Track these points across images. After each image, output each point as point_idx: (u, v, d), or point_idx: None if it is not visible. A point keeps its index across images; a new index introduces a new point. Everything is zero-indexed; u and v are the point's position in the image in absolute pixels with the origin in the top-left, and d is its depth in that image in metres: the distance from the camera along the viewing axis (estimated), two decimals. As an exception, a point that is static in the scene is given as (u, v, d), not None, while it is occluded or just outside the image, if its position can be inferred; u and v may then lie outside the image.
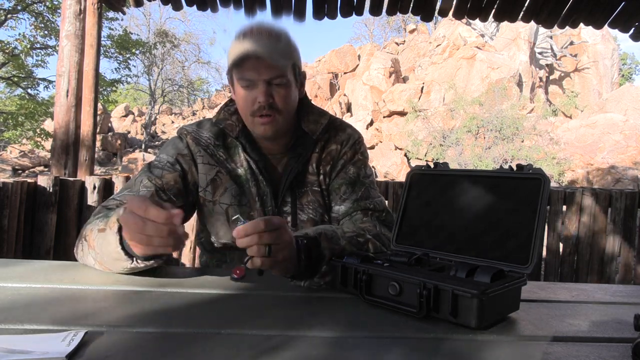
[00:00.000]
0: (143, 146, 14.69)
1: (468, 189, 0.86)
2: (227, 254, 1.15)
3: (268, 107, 1.02)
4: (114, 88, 14.00)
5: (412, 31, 17.50)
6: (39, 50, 11.38)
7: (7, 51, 10.87)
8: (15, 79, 11.55)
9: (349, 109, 14.19)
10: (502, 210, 0.80)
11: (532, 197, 0.76)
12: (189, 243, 2.98)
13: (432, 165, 0.93)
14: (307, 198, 1.13)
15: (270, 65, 1.00)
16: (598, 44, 15.75)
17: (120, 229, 0.77)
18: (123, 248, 0.78)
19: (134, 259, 0.80)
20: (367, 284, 0.76)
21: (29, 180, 2.75)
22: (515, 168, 0.81)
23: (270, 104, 1.02)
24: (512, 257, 0.76)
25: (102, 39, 3.84)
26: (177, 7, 3.53)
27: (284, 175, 1.12)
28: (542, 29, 14.39)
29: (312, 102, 1.23)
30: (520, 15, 3.55)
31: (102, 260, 0.85)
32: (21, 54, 11.06)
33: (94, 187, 2.84)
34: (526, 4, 3.44)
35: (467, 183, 0.87)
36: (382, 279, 0.75)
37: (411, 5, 3.44)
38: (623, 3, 3.33)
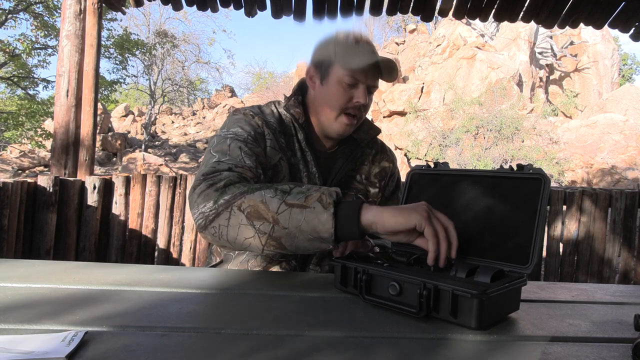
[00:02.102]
0: (143, 146, 14.68)
1: (468, 189, 0.86)
2: None
3: (360, 109, 1.12)
4: (114, 88, 14.00)
5: (412, 31, 17.50)
6: (41, 50, 11.38)
7: (7, 51, 10.86)
8: (16, 79, 11.55)
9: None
10: (502, 210, 0.80)
11: (533, 197, 0.76)
12: (189, 243, 2.98)
13: (432, 165, 0.93)
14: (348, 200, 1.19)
15: (377, 75, 1.11)
16: (598, 44, 15.75)
17: (336, 211, 0.79)
18: (335, 229, 0.79)
19: (337, 242, 0.81)
20: (367, 284, 0.76)
21: (29, 180, 2.75)
22: (515, 168, 0.81)
23: (363, 106, 1.12)
24: (512, 257, 0.76)
25: (102, 39, 3.84)
26: (177, 7, 3.53)
27: (332, 172, 1.20)
28: (542, 29, 14.39)
29: None
30: (520, 15, 3.55)
31: (284, 235, 0.82)
32: (22, 54, 11.06)
33: (94, 187, 2.84)
34: (526, 4, 3.45)
35: (467, 183, 0.87)
36: (382, 279, 0.75)
37: (411, 5, 3.44)
38: (623, 3, 3.33)
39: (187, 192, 2.93)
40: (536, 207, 0.75)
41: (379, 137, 1.32)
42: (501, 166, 0.88)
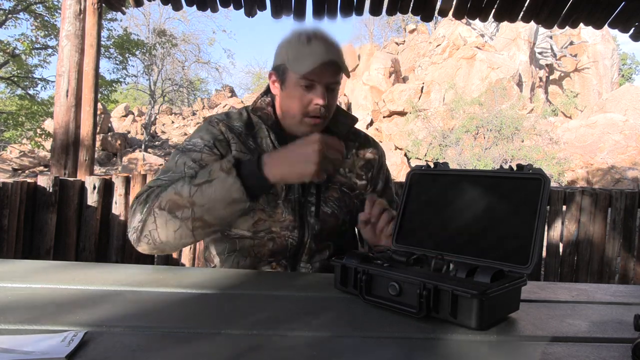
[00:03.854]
0: (143, 146, 14.67)
1: (468, 189, 0.86)
2: (238, 241, 1.15)
3: (322, 110, 1.10)
4: (114, 88, 13.99)
5: (412, 31, 17.50)
6: (41, 50, 11.38)
7: (7, 51, 10.86)
8: (16, 79, 11.54)
9: (348, 109, 14.19)
10: (502, 210, 0.80)
11: (532, 197, 0.76)
12: (189, 243, 2.98)
13: (432, 165, 0.93)
14: (334, 195, 1.19)
15: (335, 71, 1.08)
16: (598, 44, 15.75)
17: (238, 173, 0.87)
18: (245, 188, 0.87)
19: (253, 198, 0.89)
20: (367, 284, 0.76)
21: (29, 180, 2.75)
22: (515, 168, 0.80)
23: (324, 106, 1.09)
24: (512, 257, 0.75)
25: (102, 39, 3.84)
26: (177, 7, 3.53)
27: None
28: (542, 29, 14.39)
29: None
30: (520, 15, 3.55)
31: (204, 212, 0.88)
32: (22, 54, 11.06)
33: (94, 187, 2.84)
34: (526, 4, 3.44)
35: (467, 183, 0.87)
36: (382, 279, 0.75)
37: (411, 5, 3.44)
38: (623, 3, 3.33)
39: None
40: (536, 207, 0.75)
41: (376, 136, 1.31)
42: (501, 166, 0.88)
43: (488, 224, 0.81)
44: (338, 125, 1.21)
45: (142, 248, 0.96)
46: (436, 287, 0.68)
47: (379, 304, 0.74)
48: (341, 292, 0.82)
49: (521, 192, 0.78)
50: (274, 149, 1.15)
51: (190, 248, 2.96)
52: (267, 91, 1.21)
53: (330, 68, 1.06)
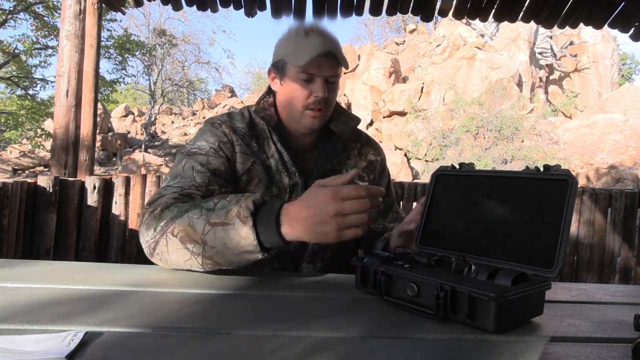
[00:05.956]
0: (143, 146, 14.67)
1: (493, 190, 0.85)
2: None
3: (323, 102, 1.10)
4: (114, 88, 13.99)
5: (412, 31, 17.50)
6: (42, 51, 11.37)
7: (7, 51, 10.86)
8: (16, 79, 11.54)
9: (348, 109, 14.17)
10: (528, 212, 0.79)
11: (559, 198, 0.74)
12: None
13: (457, 166, 0.92)
14: None
15: (333, 64, 1.09)
16: (598, 44, 15.75)
17: (255, 223, 0.78)
18: (259, 241, 0.79)
19: (266, 251, 0.81)
20: (386, 285, 0.76)
21: (29, 180, 2.75)
22: (542, 169, 0.79)
23: (324, 100, 1.09)
24: (537, 261, 0.74)
25: (102, 39, 3.84)
26: (177, 7, 3.53)
27: (315, 169, 1.19)
28: (542, 29, 14.39)
29: None
30: (520, 15, 3.55)
31: (214, 254, 0.83)
32: (22, 54, 11.06)
33: (94, 187, 2.84)
34: (526, 4, 3.44)
35: (492, 184, 0.85)
36: (401, 280, 0.74)
37: (411, 5, 3.44)
38: (623, 3, 3.33)
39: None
40: (562, 209, 0.73)
41: (376, 136, 1.32)
42: (527, 167, 0.87)
43: (513, 225, 0.79)
44: (340, 125, 1.21)
45: (155, 262, 0.95)
46: (454, 288, 0.67)
47: (398, 304, 0.74)
48: (361, 293, 0.82)
49: (547, 194, 0.77)
50: (276, 151, 1.15)
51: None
52: (269, 91, 1.21)
53: (329, 61, 1.07)
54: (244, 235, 0.79)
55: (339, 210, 0.73)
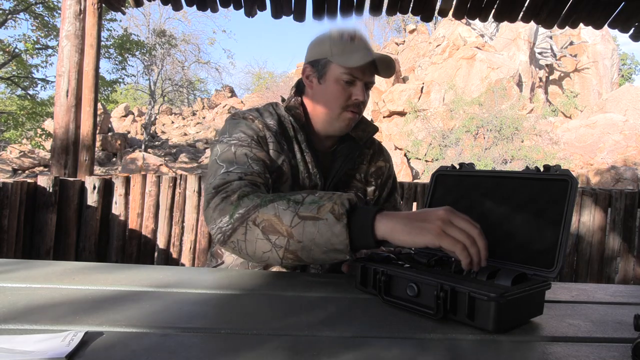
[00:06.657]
0: (143, 146, 14.68)
1: (493, 190, 0.85)
2: None
3: (358, 106, 1.14)
4: (114, 88, 13.99)
5: (412, 31, 17.50)
6: (42, 51, 11.37)
7: (7, 51, 10.86)
8: (16, 79, 11.54)
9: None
10: (528, 212, 0.79)
11: (559, 198, 0.75)
12: (188, 243, 2.98)
13: (457, 166, 0.92)
14: None
15: (373, 72, 1.13)
16: (598, 44, 15.76)
17: (349, 222, 0.76)
18: (351, 241, 0.77)
19: (354, 252, 0.78)
20: (386, 285, 0.76)
21: (29, 180, 2.75)
22: (542, 169, 0.79)
23: (362, 103, 1.14)
24: (537, 261, 0.74)
25: (102, 39, 3.84)
26: (177, 7, 3.53)
27: (332, 172, 1.21)
28: (542, 29, 14.39)
29: None
30: (520, 15, 3.55)
31: (299, 248, 0.80)
32: (23, 54, 11.05)
33: (94, 187, 2.84)
34: (526, 4, 3.45)
35: (493, 184, 0.86)
36: (401, 280, 0.74)
37: (411, 5, 3.44)
38: (623, 3, 3.33)
39: (187, 193, 2.93)
40: (562, 209, 0.73)
41: (376, 136, 1.33)
42: (527, 167, 0.87)
43: (513, 226, 0.80)
44: (359, 131, 1.24)
45: (226, 249, 0.92)
46: (453, 288, 0.67)
47: (398, 304, 0.74)
48: (361, 293, 0.82)
49: (547, 194, 0.77)
50: (299, 151, 1.15)
51: (191, 248, 2.96)
52: (297, 91, 1.21)
53: (371, 68, 1.11)
54: (336, 233, 0.76)
55: (449, 216, 0.72)
